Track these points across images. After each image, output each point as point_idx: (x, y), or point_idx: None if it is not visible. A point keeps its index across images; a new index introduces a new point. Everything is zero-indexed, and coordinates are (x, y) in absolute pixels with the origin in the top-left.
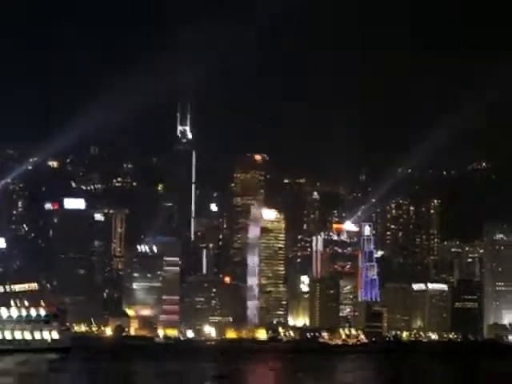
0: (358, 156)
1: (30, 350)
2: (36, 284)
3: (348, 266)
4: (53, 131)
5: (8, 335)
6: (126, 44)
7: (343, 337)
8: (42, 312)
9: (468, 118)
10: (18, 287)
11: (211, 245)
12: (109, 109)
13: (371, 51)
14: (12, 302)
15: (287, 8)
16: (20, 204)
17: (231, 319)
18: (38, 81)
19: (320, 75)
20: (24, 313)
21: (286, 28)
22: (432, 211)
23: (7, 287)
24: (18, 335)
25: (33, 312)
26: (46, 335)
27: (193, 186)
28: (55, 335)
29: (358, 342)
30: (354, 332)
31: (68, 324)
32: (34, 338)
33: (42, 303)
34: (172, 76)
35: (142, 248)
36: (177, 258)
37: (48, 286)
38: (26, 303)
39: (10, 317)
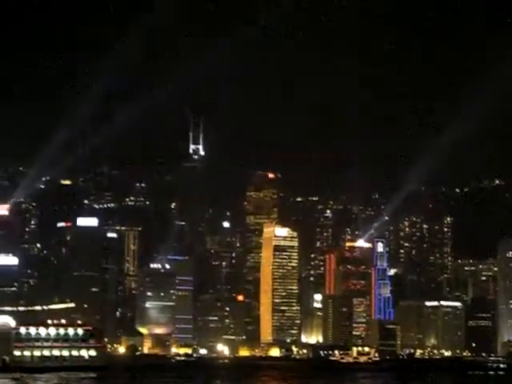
0: (370, 173)
1: (67, 368)
2: (73, 303)
3: (361, 284)
4: (65, 150)
5: (46, 353)
6: (137, 57)
7: (355, 354)
8: (80, 331)
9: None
10: (55, 306)
11: (224, 263)
12: (121, 126)
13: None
14: (49, 321)
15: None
16: (32, 222)
17: (244, 337)
18: (50, 99)
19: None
20: (62, 331)
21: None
22: (445, 229)
23: (45, 306)
24: (56, 353)
25: (70, 330)
26: (84, 353)
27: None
28: (92, 353)
29: (370, 360)
30: (366, 350)
31: (105, 343)
32: (71, 355)
33: (79, 322)
34: (185, 95)
35: (155, 266)
36: (190, 277)
37: (85, 305)
38: (64, 322)
39: (48, 335)
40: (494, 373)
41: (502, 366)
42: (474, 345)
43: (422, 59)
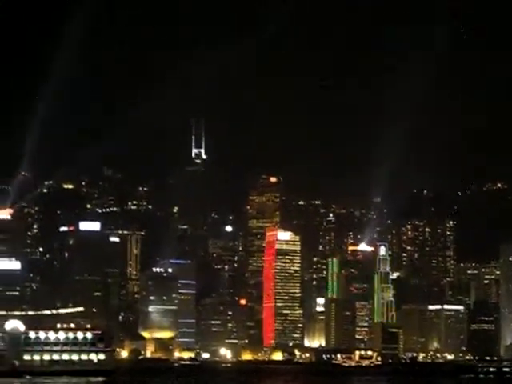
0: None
1: (76, 372)
2: (82, 308)
3: (364, 288)
4: (68, 154)
5: (56, 357)
6: (140, 64)
7: (357, 358)
8: (89, 334)
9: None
10: (64, 310)
11: (226, 267)
12: (123, 131)
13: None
14: (59, 325)
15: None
16: (35, 227)
17: (247, 341)
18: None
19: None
20: (71, 335)
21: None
22: (448, 232)
23: (54, 311)
24: (65, 357)
25: (79, 334)
26: (92, 357)
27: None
28: (101, 357)
29: (372, 364)
30: (369, 353)
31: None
32: (80, 359)
33: (88, 326)
34: (186, 97)
35: (158, 270)
36: (192, 281)
37: (94, 309)
38: (73, 326)
39: (57, 339)
40: (484, 376)
41: (491, 369)
42: (476, 348)
43: None
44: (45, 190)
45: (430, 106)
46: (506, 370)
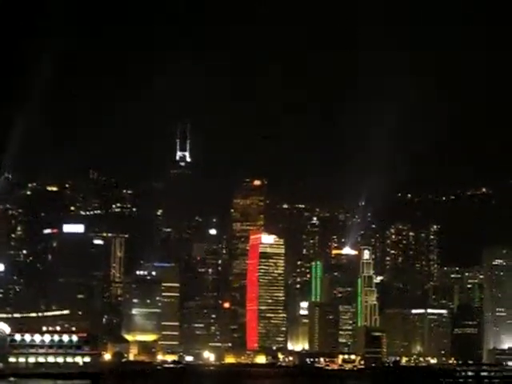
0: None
1: (61, 375)
2: (68, 310)
3: (347, 292)
4: (52, 156)
5: (41, 360)
6: (126, 69)
7: (340, 362)
8: (74, 337)
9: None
10: (50, 313)
11: (210, 270)
12: (108, 133)
13: None
14: (44, 328)
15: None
16: (19, 229)
17: (230, 344)
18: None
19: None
20: (56, 338)
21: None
22: (432, 237)
23: (40, 313)
24: (50, 359)
25: (65, 337)
26: (78, 360)
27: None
28: (87, 360)
29: (355, 368)
30: (352, 357)
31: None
32: (66, 362)
33: (74, 328)
34: (171, 100)
35: (141, 273)
36: (176, 284)
37: (79, 312)
38: (58, 328)
39: (42, 341)
40: (464, 380)
41: (470, 373)
42: (459, 352)
43: None
44: (29, 192)
45: (429, 106)
46: (484, 374)
